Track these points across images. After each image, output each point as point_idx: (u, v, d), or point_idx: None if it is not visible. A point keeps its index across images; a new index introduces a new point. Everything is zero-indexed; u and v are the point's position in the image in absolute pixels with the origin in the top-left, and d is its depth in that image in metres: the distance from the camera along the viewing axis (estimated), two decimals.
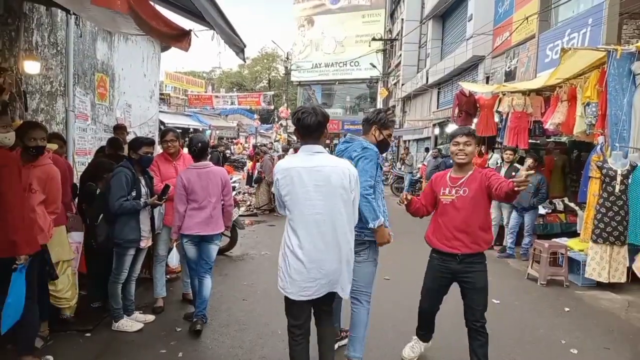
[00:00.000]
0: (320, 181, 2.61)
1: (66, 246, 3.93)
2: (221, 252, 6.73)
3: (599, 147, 5.79)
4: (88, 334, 3.82)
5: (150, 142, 3.99)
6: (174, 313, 4.38)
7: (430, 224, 3.44)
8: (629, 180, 5.44)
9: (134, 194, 3.79)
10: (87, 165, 5.63)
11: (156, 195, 3.94)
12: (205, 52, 41.30)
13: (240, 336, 3.92)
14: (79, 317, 4.02)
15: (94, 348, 3.60)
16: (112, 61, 8.59)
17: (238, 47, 5.33)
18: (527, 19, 10.40)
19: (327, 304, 2.88)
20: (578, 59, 6.15)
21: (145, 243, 3.99)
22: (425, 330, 3.62)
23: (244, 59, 5.97)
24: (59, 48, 6.65)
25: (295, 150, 6.83)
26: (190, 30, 5.19)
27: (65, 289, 3.89)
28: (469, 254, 3.20)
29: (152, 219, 4.07)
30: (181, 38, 5.24)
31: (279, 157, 10.50)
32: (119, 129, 6.16)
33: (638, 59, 5.57)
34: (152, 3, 4.94)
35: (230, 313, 4.43)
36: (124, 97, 9.15)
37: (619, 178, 5.44)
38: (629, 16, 8.74)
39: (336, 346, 3.46)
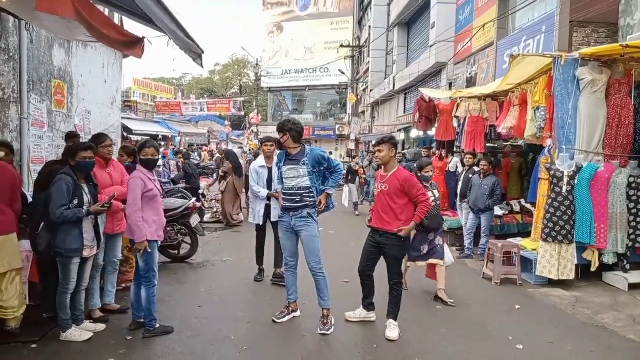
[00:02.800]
0: None
1: (17, 254, 3.86)
2: (182, 259, 6.70)
3: (547, 149, 6.03)
4: (34, 345, 3.73)
5: (86, 147, 3.89)
6: (125, 322, 4.30)
7: None
8: (575, 181, 5.69)
9: (76, 202, 3.72)
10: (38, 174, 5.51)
11: (100, 203, 3.86)
12: (171, 58, 40.87)
13: (191, 343, 3.89)
14: (25, 328, 3.92)
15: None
16: (70, 67, 8.42)
17: (195, 52, 5.30)
18: (484, 26, 10.72)
19: None
20: (527, 65, 6.39)
21: (89, 252, 3.90)
22: (365, 295, 4.52)
23: (201, 65, 5.93)
24: (11, 54, 6.49)
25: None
26: (144, 37, 5.16)
27: (12, 299, 3.80)
28: (386, 231, 4.23)
29: (96, 227, 3.99)
30: (134, 45, 5.20)
31: (248, 162, 10.43)
32: (72, 137, 6.04)
33: (582, 65, 5.84)
34: (101, 8, 4.91)
35: (183, 320, 4.39)
36: (83, 103, 8.98)
37: (565, 179, 5.67)
38: (578, 24, 9.15)
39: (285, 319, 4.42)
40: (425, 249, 5.18)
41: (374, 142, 23.99)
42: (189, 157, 11.98)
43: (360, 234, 4.78)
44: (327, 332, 4.17)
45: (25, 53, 6.66)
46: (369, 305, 4.54)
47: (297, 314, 4.54)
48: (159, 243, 4.17)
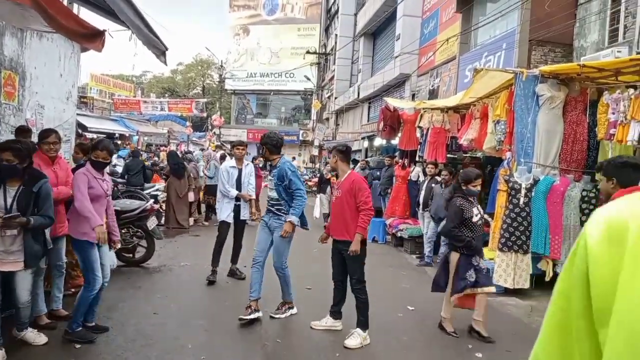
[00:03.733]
0: None
1: None
2: (137, 263, 6.43)
3: (506, 162, 6.20)
4: None
5: (5, 147, 3.41)
6: None
7: None
8: (532, 194, 5.87)
9: None
10: None
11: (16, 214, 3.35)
12: (136, 54, 39.75)
13: (145, 351, 3.71)
14: None
15: None
16: (22, 58, 7.96)
17: (158, 49, 5.14)
18: (447, 40, 10.99)
19: None
20: (489, 79, 6.58)
21: (9, 267, 3.40)
22: (334, 302, 4.46)
23: (165, 62, 5.75)
24: None
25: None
26: (104, 31, 4.94)
27: None
28: (341, 239, 4.26)
29: (37, 236, 3.55)
30: (94, 38, 4.97)
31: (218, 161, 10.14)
32: (22, 132, 5.70)
33: (541, 82, 6.05)
34: None
35: (138, 327, 4.19)
36: (35, 97, 8.50)
37: (523, 191, 5.84)
38: (537, 43, 9.53)
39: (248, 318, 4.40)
40: (472, 276, 4.39)
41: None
42: (137, 154, 11.43)
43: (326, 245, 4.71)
44: (276, 316, 4.59)
45: None
46: (335, 313, 4.47)
47: (260, 314, 4.49)
48: (101, 245, 3.92)
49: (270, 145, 4.71)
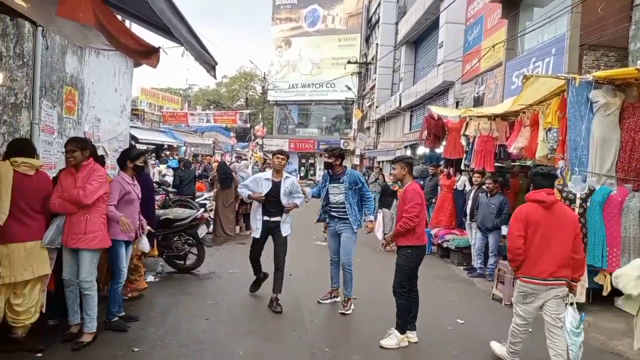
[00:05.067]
0: None
1: (46, 261, 3.85)
2: (187, 270, 6.63)
3: (559, 171, 5.99)
4: (39, 355, 3.66)
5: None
6: (132, 333, 4.24)
7: None
8: (587, 204, 5.63)
9: None
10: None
11: None
12: (183, 68, 41.21)
13: (198, 357, 3.82)
14: (30, 336, 3.85)
15: None
16: (82, 75, 8.46)
17: (209, 64, 5.33)
18: (494, 47, 10.78)
19: None
20: (540, 86, 6.39)
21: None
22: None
23: (214, 76, 5.94)
24: (25, 60, 6.52)
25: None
26: (159, 47, 5.18)
27: (30, 305, 3.75)
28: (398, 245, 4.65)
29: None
30: (150, 54, 5.21)
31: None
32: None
33: (595, 88, 5.83)
34: (120, 18, 4.93)
35: (190, 333, 4.32)
36: (93, 111, 8.99)
37: (578, 201, 5.62)
38: (588, 47, 9.19)
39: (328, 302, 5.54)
40: None
41: (378, 158, 24.08)
42: (189, 165, 11.83)
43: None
44: (346, 312, 5.15)
45: (39, 59, 6.69)
46: (402, 326, 4.44)
47: (338, 299, 5.50)
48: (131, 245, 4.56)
49: (341, 157, 5.45)
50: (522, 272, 3.86)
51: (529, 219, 3.78)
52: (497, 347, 4.26)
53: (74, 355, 3.70)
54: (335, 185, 5.37)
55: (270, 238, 5.46)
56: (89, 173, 4.00)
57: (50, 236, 3.86)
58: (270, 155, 5.79)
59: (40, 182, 3.87)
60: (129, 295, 5.14)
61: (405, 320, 4.35)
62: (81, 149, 4.04)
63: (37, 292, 3.81)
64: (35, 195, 3.76)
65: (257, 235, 5.41)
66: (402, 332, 4.32)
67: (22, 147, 3.88)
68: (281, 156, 5.51)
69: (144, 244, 4.76)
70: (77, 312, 4.05)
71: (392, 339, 4.26)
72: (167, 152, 22.14)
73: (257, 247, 5.55)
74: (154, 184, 8.06)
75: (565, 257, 3.74)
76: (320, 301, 5.50)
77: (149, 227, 4.91)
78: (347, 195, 5.30)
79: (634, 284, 3.26)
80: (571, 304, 3.75)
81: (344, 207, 5.31)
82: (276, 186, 5.37)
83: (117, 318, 4.36)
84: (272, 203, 5.33)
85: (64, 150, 4.20)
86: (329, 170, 5.53)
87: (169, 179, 11.69)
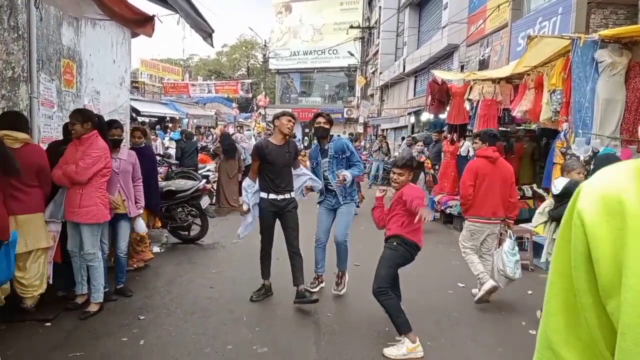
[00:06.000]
0: None
1: (42, 234, 3.85)
2: (192, 240, 6.71)
3: (562, 133, 5.92)
4: (48, 324, 3.76)
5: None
6: (138, 302, 4.34)
7: None
8: (591, 167, 5.58)
9: None
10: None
11: None
12: (181, 38, 40.59)
13: (203, 323, 3.91)
14: (40, 306, 3.95)
15: (53, 338, 3.55)
16: (79, 47, 8.34)
17: (205, 32, 5.23)
18: (499, 7, 10.48)
19: None
20: (544, 46, 6.23)
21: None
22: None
23: (212, 44, 5.84)
24: (20, 32, 6.42)
25: None
26: (154, 16, 5.08)
27: (34, 277, 3.82)
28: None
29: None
30: (145, 23, 5.14)
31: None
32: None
33: (601, 47, 5.67)
34: None
35: (195, 300, 4.41)
36: (92, 83, 8.91)
37: None
38: (596, 5, 8.91)
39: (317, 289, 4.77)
40: None
41: (382, 126, 23.88)
42: (191, 137, 11.77)
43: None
44: (340, 293, 4.73)
45: (34, 31, 6.58)
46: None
47: (323, 285, 4.91)
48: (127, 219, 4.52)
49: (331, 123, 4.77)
50: (470, 213, 4.72)
51: (479, 171, 4.64)
52: (475, 291, 4.74)
53: (82, 324, 3.80)
54: (326, 159, 4.68)
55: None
56: (87, 147, 3.93)
57: (50, 210, 3.92)
58: (272, 125, 4.35)
59: (29, 156, 3.73)
60: (135, 265, 5.23)
61: (404, 317, 3.50)
62: (81, 122, 3.97)
63: (41, 265, 3.86)
64: (23, 169, 3.59)
65: (251, 229, 4.65)
66: (407, 331, 3.46)
67: (9, 121, 3.80)
68: (291, 119, 4.47)
69: (140, 225, 4.68)
70: (82, 282, 4.12)
71: (400, 349, 3.44)
72: (170, 125, 22.06)
73: (266, 237, 4.55)
74: (157, 157, 8.06)
75: (504, 201, 4.67)
76: (309, 289, 4.54)
77: (141, 208, 4.67)
78: (330, 164, 4.61)
79: (535, 218, 4.50)
80: (509, 234, 4.67)
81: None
82: (282, 151, 4.37)
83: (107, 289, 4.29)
84: (279, 176, 4.36)
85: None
86: (319, 141, 4.76)
87: (172, 151, 11.68)
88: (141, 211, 4.69)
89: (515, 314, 4.42)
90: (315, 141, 4.88)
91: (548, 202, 4.54)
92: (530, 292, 5.10)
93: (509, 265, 4.44)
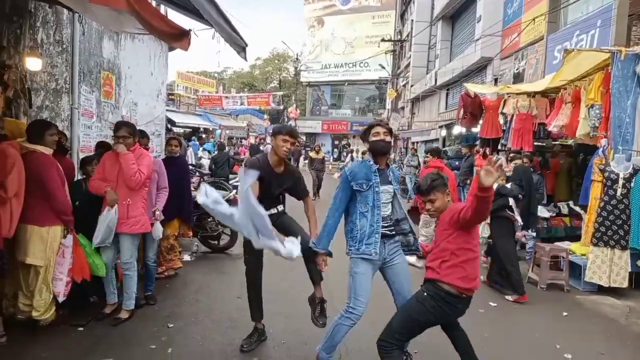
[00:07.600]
0: None
1: (39, 247, 3.61)
2: (221, 249, 6.78)
3: (601, 150, 5.72)
4: (80, 329, 3.86)
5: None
6: (167, 310, 4.40)
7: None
8: (632, 184, 5.36)
9: None
10: None
11: None
12: (215, 51, 41.50)
13: (231, 334, 3.93)
14: (74, 311, 4.06)
15: (85, 343, 3.64)
16: (118, 59, 8.67)
17: (239, 45, 5.33)
18: (534, 20, 10.28)
19: None
20: (582, 60, 6.08)
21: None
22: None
23: (245, 58, 5.95)
24: (64, 46, 6.73)
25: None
26: (190, 30, 5.22)
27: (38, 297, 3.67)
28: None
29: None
30: (181, 37, 5.27)
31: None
32: None
33: None
34: (151, 1, 4.99)
35: (223, 310, 4.45)
36: (130, 95, 9.23)
37: (620, 182, 5.37)
38: (638, 17, 8.62)
39: None
40: None
41: (412, 139, 23.67)
42: (223, 148, 12.02)
43: None
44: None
45: (77, 45, 6.90)
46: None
47: None
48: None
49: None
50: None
51: None
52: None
53: (113, 330, 3.88)
54: (385, 186, 3.23)
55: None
56: (138, 157, 4.13)
57: (101, 236, 3.92)
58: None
59: (30, 165, 3.56)
60: (165, 274, 5.32)
61: None
62: (132, 135, 4.19)
63: (42, 292, 3.70)
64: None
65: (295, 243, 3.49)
66: None
67: (27, 129, 3.89)
68: (288, 138, 3.58)
69: (157, 229, 4.63)
70: (113, 292, 4.21)
71: None
72: (203, 135, 22.54)
73: (252, 263, 3.95)
74: (189, 167, 8.23)
75: None
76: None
77: (160, 214, 4.66)
78: (395, 196, 3.29)
79: None
80: None
81: (391, 219, 3.28)
82: (279, 182, 3.70)
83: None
84: (268, 199, 3.60)
85: (114, 134, 4.21)
86: (375, 159, 3.24)
87: (204, 162, 11.93)
88: (160, 219, 4.67)
89: (550, 337, 4.25)
90: (366, 157, 3.41)
91: None
92: (565, 313, 4.91)
93: None
